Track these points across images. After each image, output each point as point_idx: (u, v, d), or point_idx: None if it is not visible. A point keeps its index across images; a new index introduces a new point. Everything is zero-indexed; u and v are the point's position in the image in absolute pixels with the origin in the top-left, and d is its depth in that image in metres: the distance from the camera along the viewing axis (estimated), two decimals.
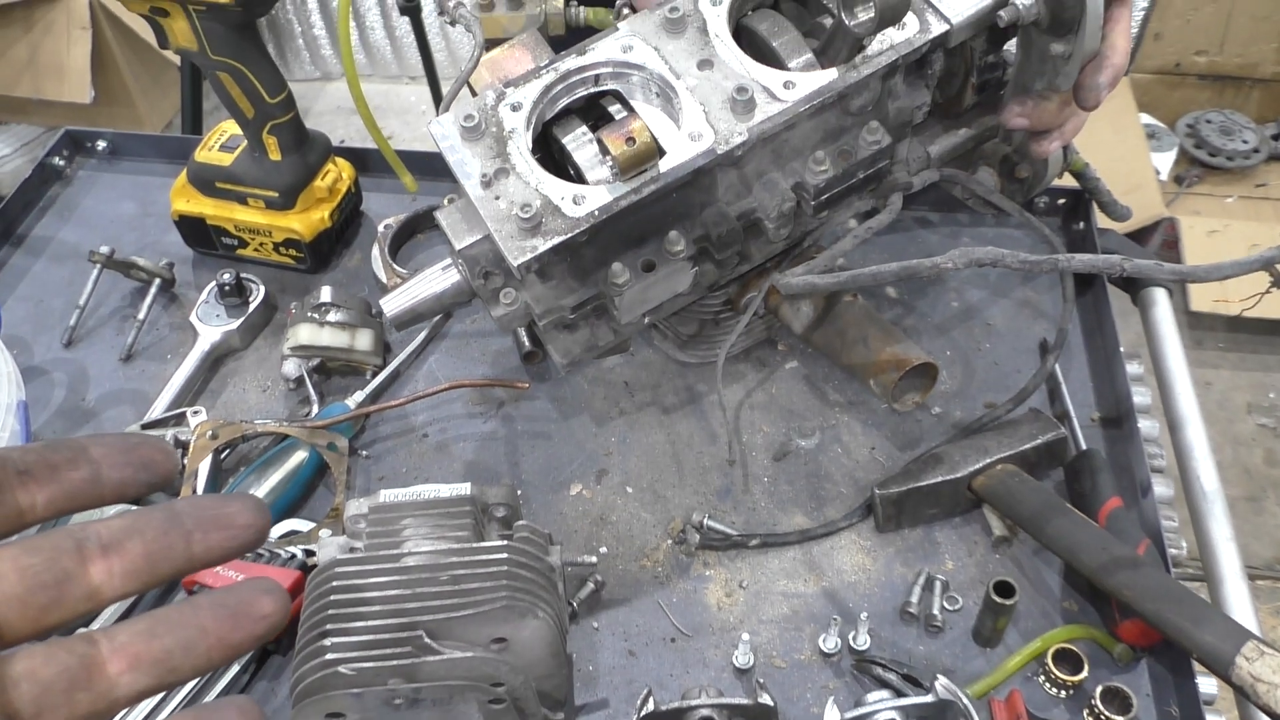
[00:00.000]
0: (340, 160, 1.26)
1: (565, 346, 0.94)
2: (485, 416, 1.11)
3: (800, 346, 1.14)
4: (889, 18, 0.77)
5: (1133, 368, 1.14)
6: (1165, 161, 3.42)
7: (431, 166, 1.31)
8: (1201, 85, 3.45)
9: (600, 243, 0.84)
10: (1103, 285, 1.17)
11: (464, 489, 0.83)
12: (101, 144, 1.41)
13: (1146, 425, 1.09)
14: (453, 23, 0.93)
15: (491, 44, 1.00)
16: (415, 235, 1.29)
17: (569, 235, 0.80)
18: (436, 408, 1.12)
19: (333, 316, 1.11)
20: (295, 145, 1.18)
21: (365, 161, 1.34)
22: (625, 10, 0.98)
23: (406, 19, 2.84)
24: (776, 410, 1.10)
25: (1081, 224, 1.24)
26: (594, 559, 0.84)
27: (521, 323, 0.90)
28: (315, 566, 0.85)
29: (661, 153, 0.82)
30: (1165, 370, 1.14)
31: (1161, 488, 1.07)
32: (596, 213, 0.80)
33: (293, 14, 3.92)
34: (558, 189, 0.82)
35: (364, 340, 1.12)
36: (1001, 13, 0.81)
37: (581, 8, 1.03)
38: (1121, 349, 1.11)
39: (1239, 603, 0.96)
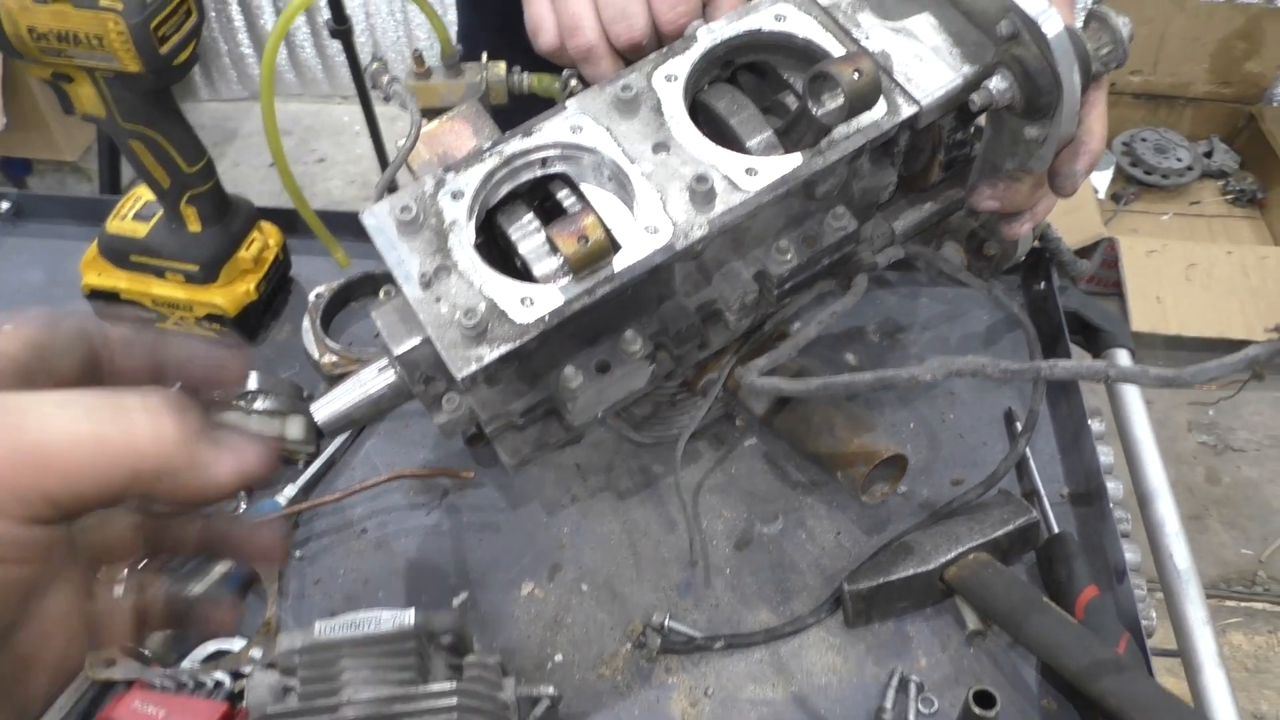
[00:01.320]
0: (267, 225, 1.18)
1: (514, 446, 0.87)
2: (428, 507, 1.04)
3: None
4: (859, 106, 0.72)
5: (1095, 425, 1.11)
6: (1103, 180, 3.46)
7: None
8: (1136, 104, 3.49)
9: (551, 345, 0.77)
10: (1066, 350, 1.14)
11: (406, 619, 0.75)
12: (4, 205, 1.31)
13: (1111, 486, 1.06)
14: (386, 99, 0.86)
15: (430, 113, 0.93)
16: (349, 304, 1.22)
17: (517, 343, 0.73)
18: (375, 499, 1.04)
19: (260, 405, 1.02)
20: (216, 215, 1.10)
21: (294, 223, 1.25)
22: (572, 82, 0.92)
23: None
24: (736, 493, 1.05)
25: (1043, 283, 1.21)
26: (551, 689, 0.77)
27: (467, 428, 0.83)
28: (243, 694, 0.77)
29: (616, 247, 0.76)
30: (1131, 439, 1.11)
31: (1129, 554, 1.03)
32: (547, 318, 0.74)
33: (218, 32, 3.79)
34: (504, 290, 0.75)
35: (295, 428, 1.04)
36: (974, 96, 0.76)
37: (525, 74, 0.96)
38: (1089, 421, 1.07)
39: (1218, 691, 0.93)
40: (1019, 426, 1.09)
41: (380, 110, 3.08)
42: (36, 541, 0.39)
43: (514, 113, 0.96)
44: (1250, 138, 3.39)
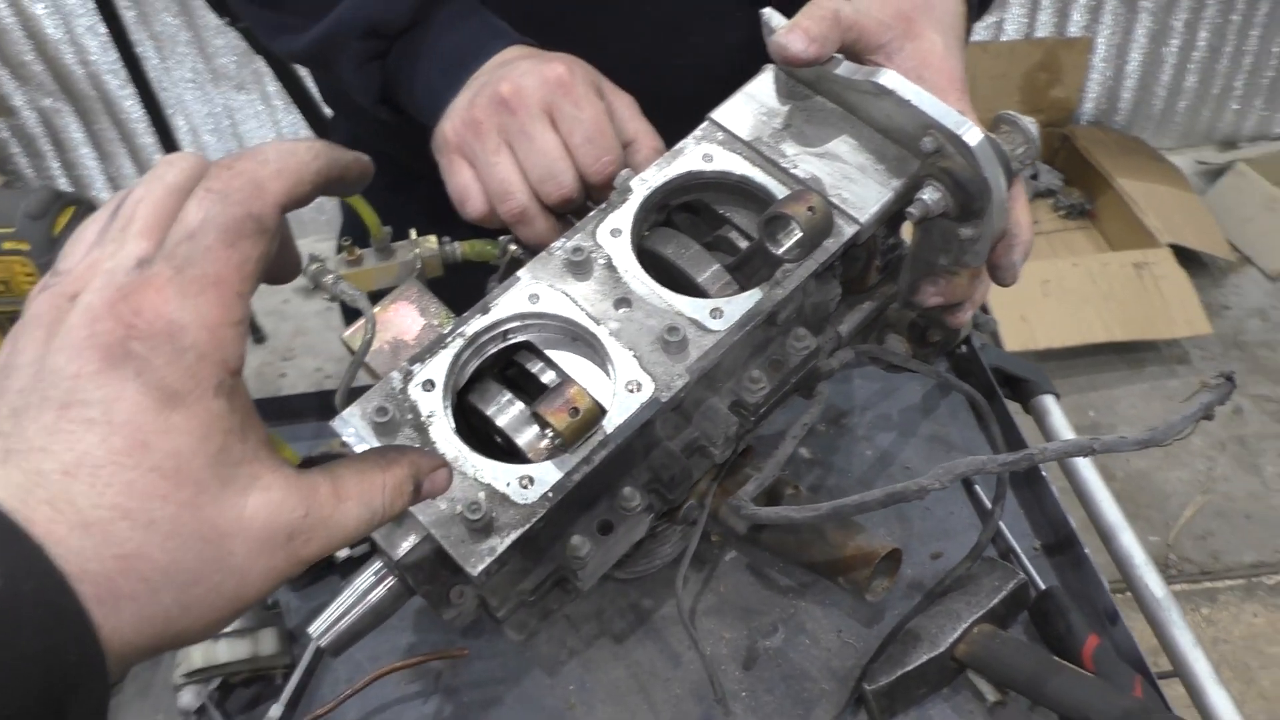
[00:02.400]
0: None
1: (520, 622, 0.85)
2: (424, 696, 1.00)
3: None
4: (817, 240, 0.75)
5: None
6: None
7: (316, 405, 1.20)
8: None
9: (554, 519, 0.76)
10: (1002, 407, 1.20)
11: None
12: None
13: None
14: (332, 299, 0.84)
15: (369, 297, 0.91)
16: None
17: (527, 526, 0.72)
18: (366, 697, 0.99)
19: (227, 626, 0.96)
20: None
21: None
22: (511, 246, 0.92)
23: None
24: (730, 611, 1.05)
25: (964, 346, 1.27)
26: None
27: (475, 616, 0.80)
28: None
29: (603, 411, 0.76)
30: (1079, 480, 1.16)
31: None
32: (550, 494, 0.73)
33: None
34: (500, 474, 0.74)
35: (267, 643, 0.98)
36: (911, 209, 0.80)
37: (457, 244, 0.96)
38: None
39: (1224, 709, 0.97)
40: (978, 489, 1.13)
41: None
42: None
43: (452, 284, 0.96)
44: (1068, 156, 3.66)
